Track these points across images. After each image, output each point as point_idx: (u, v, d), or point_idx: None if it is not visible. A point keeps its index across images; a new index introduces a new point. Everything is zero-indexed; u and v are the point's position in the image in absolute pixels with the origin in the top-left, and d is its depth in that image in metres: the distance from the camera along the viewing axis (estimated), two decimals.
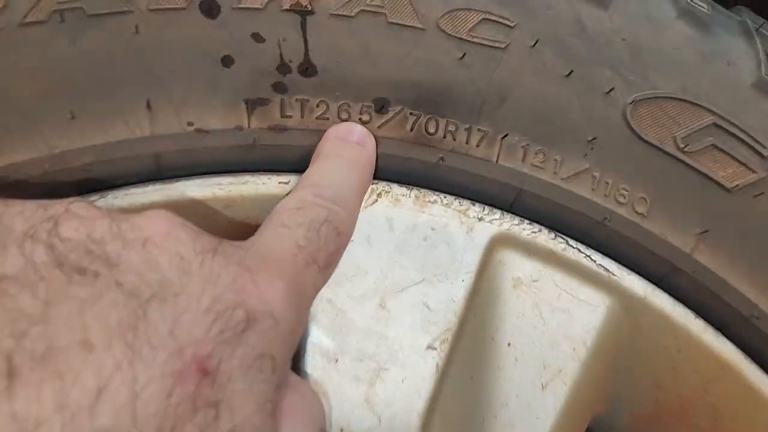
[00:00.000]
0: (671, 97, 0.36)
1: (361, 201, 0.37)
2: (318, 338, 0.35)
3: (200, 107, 0.36)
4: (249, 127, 0.37)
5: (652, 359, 0.41)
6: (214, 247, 0.27)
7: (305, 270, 0.30)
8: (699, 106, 0.36)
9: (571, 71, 0.36)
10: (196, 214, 0.36)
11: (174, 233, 0.25)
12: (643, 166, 0.38)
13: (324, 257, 0.31)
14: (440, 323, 0.37)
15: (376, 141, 0.38)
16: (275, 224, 0.31)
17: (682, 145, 0.37)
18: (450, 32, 0.35)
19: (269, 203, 0.37)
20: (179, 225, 0.26)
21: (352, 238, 0.37)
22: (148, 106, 0.34)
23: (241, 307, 0.24)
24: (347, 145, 0.37)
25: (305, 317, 0.33)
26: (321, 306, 0.36)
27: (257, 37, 0.34)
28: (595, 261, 0.40)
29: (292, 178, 0.38)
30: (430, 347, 0.36)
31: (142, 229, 0.25)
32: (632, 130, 0.37)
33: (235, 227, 0.38)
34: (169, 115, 0.35)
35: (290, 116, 0.37)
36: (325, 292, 0.36)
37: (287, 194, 0.34)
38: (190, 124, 0.36)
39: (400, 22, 0.35)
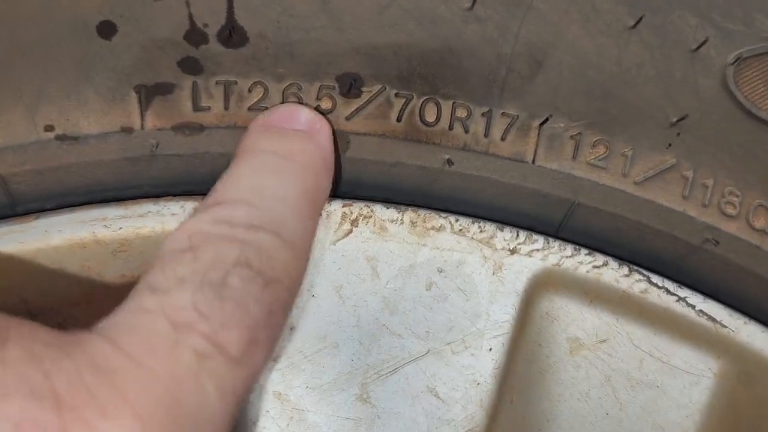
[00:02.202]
0: None
1: (313, 225, 0.34)
2: None
3: (65, 102, 0.35)
4: (143, 128, 0.36)
5: None
6: None
7: (198, 372, 0.25)
8: None
9: (640, 19, 0.35)
10: (68, 267, 0.35)
11: None
12: (758, 157, 0.37)
13: (239, 337, 0.26)
14: (458, 421, 0.36)
15: (338, 135, 0.36)
16: (138, 290, 0.27)
17: None
18: None
19: None
20: None
21: (312, 291, 0.35)
22: None
23: None
24: (282, 134, 0.34)
25: None
26: (266, 405, 0.35)
27: None
28: (694, 307, 0.39)
29: None
30: None
31: None
32: (737, 102, 0.36)
33: (131, 286, 0.35)
34: (15, 117, 0.35)
35: (208, 108, 0.36)
36: (270, 382, 0.35)
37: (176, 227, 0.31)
38: (49, 128, 0.35)
39: None
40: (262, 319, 0.27)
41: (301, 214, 0.31)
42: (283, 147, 0.33)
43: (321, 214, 0.35)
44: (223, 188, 0.31)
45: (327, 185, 0.35)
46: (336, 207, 0.38)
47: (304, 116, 0.35)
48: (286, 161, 0.32)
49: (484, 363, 0.37)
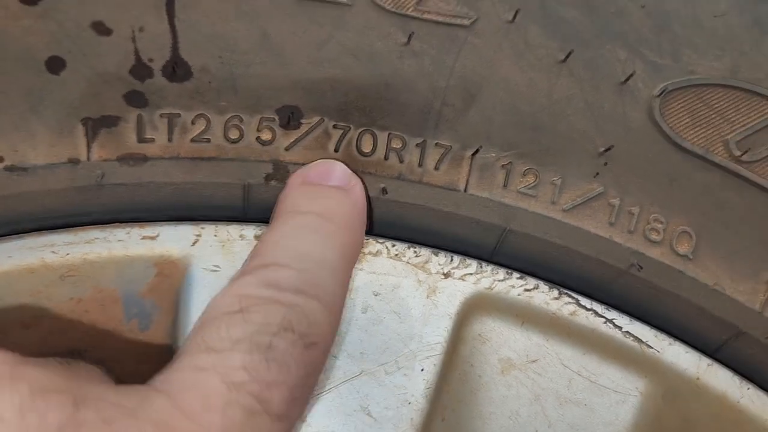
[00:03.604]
0: (717, 84, 0.36)
1: (347, 282, 0.35)
2: None
3: (13, 134, 0.36)
4: (90, 159, 0.37)
5: None
6: (64, 418, 0.24)
7: (246, 428, 0.27)
8: (758, 95, 0.37)
9: (570, 53, 0.36)
10: (18, 292, 0.36)
11: None
12: (682, 186, 0.39)
13: (281, 395, 0.28)
14: None
15: (277, 165, 0.37)
16: (194, 348, 0.29)
17: (737, 152, 0.37)
18: (389, 7, 0.35)
19: (131, 269, 0.36)
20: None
21: None
22: None
23: None
24: (320, 193, 0.36)
25: None
26: None
27: (100, 28, 0.34)
28: (620, 328, 0.40)
29: (162, 231, 0.38)
30: None
31: None
32: (663, 133, 0.37)
33: (81, 310, 0.37)
34: None
35: (152, 140, 0.37)
36: None
37: (224, 287, 0.32)
38: None
39: None
40: (301, 379, 0.29)
41: (338, 276, 0.34)
42: (322, 207, 0.35)
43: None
44: (269, 250, 0.33)
45: (361, 240, 0.37)
46: None
47: (338, 172, 0.37)
48: (326, 223, 0.35)
49: (415, 383, 0.37)
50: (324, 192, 0.36)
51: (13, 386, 0.24)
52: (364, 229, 0.37)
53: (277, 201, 0.36)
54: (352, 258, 0.36)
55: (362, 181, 0.38)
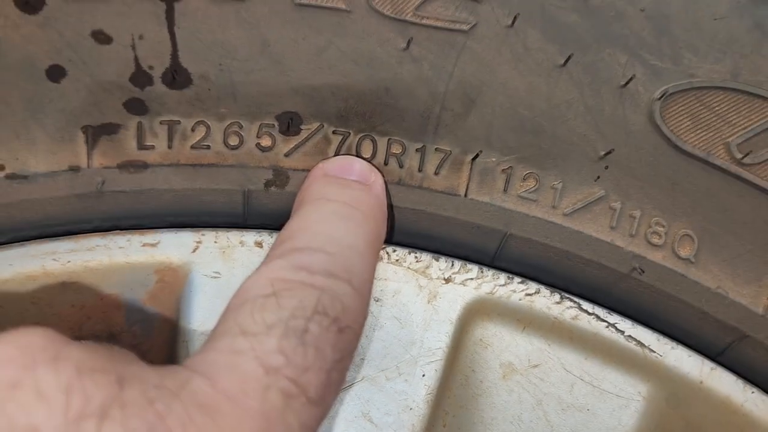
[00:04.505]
0: (718, 87, 0.37)
1: (374, 270, 0.36)
2: None
3: (14, 142, 0.36)
4: (90, 166, 0.37)
5: None
6: (109, 397, 0.24)
7: (284, 411, 0.27)
8: (759, 97, 0.37)
9: (569, 57, 0.36)
10: (19, 299, 0.36)
11: (31, 377, 0.24)
12: (684, 189, 0.39)
13: (317, 380, 0.28)
14: None
15: (277, 171, 0.38)
16: (228, 331, 0.29)
17: (739, 155, 0.37)
18: (388, 12, 0.35)
19: (132, 276, 0.37)
20: (41, 356, 0.24)
21: None
22: None
23: None
24: (343, 184, 0.36)
25: None
26: None
27: (100, 36, 0.35)
28: (623, 332, 0.40)
29: (163, 237, 0.38)
30: None
31: None
32: (664, 136, 0.38)
33: (83, 317, 0.37)
34: None
35: (152, 147, 0.38)
36: None
37: (255, 270, 0.32)
38: None
39: (313, 2, 0.35)
40: (335, 363, 0.30)
41: (367, 262, 0.34)
42: (349, 197, 0.36)
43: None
44: (299, 234, 0.33)
45: (384, 234, 0.37)
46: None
47: (358, 167, 0.37)
48: (354, 211, 0.35)
49: (416, 389, 0.37)
50: (348, 183, 0.36)
51: (59, 366, 0.24)
52: (386, 224, 0.37)
53: (300, 191, 0.37)
54: (377, 248, 0.36)
55: (382, 175, 0.38)
